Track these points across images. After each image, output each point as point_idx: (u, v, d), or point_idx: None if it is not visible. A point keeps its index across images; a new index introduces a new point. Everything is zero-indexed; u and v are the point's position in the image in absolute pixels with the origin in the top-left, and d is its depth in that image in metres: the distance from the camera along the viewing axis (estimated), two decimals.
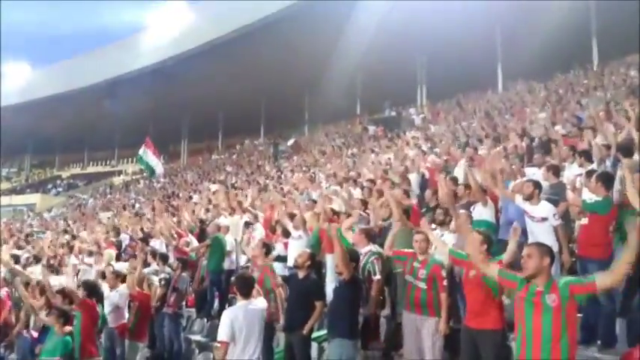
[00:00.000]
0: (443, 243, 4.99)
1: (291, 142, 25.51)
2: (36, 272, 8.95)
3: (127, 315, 7.02)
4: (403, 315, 5.05)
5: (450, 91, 25.18)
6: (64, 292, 6.30)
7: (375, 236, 5.98)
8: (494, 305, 4.20)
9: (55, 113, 37.87)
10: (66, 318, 5.74)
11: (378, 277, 5.38)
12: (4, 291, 8.41)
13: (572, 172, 6.76)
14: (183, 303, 8.06)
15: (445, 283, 4.85)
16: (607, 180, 5.01)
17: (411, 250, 5.09)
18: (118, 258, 9.83)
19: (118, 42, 38.99)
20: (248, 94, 32.86)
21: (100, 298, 6.56)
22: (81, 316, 5.85)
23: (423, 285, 4.84)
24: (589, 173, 5.62)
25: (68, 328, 5.75)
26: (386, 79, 27.40)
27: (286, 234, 7.91)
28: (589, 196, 5.08)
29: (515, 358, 3.37)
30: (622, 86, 15.00)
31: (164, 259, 8.23)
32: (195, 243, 9.62)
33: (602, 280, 3.20)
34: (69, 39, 71.93)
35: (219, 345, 4.31)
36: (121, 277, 7.25)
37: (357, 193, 9.57)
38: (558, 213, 5.39)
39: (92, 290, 6.25)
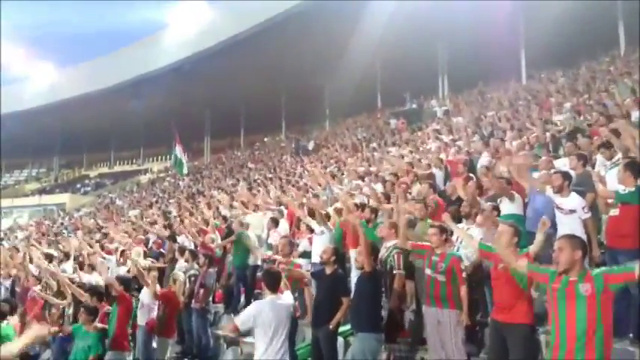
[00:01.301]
0: (470, 237, 4.96)
1: (311, 144, 25.43)
2: (67, 270, 9.20)
3: (155, 312, 7.17)
4: (424, 309, 5.07)
5: (472, 81, 24.81)
6: (92, 291, 6.48)
7: None
8: (524, 299, 4.17)
9: (80, 113, 38.57)
10: (95, 316, 5.91)
11: (399, 271, 5.38)
12: (37, 289, 8.67)
13: (601, 163, 6.63)
14: (211, 298, 8.20)
15: (464, 275, 4.86)
16: (635, 168, 4.92)
17: (429, 244, 5.10)
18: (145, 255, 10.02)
19: (140, 41, 39.50)
20: (268, 91, 32.98)
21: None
22: (117, 309, 6.02)
23: (442, 278, 4.85)
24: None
25: (99, 325, 5.91)
26: (406, 71, 27.15)
27: (310, 230, 7.97)
28: (622, 187, 4.97)
29: (549, 350, 3.31)
30: None
31: (194, 255, 8.37)
32: (219, 240, 9.76)
33: None
34: (92, 39, 73.00)
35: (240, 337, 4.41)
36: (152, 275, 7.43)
37: (378, 187, 9.57)
38: (587, 205, 5.30)
39: (128, 285, 6.42)
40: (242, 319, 4.42)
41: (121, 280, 6.52)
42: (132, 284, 6.72)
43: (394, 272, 5.39)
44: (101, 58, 40.43)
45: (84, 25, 72.61)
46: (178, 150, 13.11)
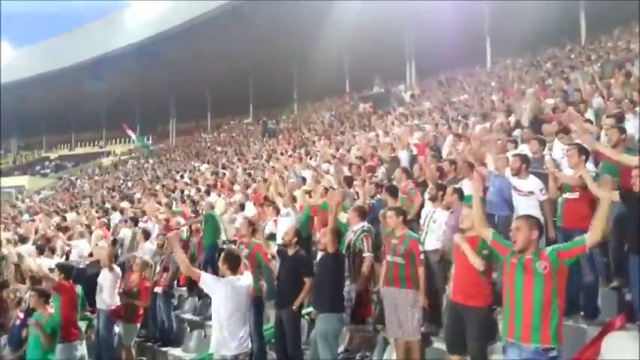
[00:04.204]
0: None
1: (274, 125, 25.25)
2: (22, 252, 8.92)
3: (117, 298, 7.02)
4: (382, 290, 5.14)
5: (439, 67, 25.07)
6: (61, 268, 6.24)
7: (366, 214, 6.00)
8: (483, 282, 4.25)
9: (39, 94, 37.25)
10: (46, 298, 5.72)
11: (368, 254, 5.41)
12: None
13: (559, 148, 6.81)
14: (175, 282, 8.11)
15: (422, 257, 4.95)
16: (587, 153, 5.09)
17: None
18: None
19: (102, 20, 38.22)
20: (236, 73, 32.49)
21: (75, 279, 6.39)
22: (60, 299, 5.78)
23: (400, 260, 4.92)
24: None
25: (51, 310, 5.73)
26: (374, 56, 27.18)
27: (277, 211, 7.95)
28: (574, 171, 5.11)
29: (504, 323, 3.40)
30: (609, 60, 15.01)
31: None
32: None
33: (591, 239, 3.27)
34: (51, 18, 70.17)
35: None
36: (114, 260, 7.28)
37: (345, 170, 9.58)
38: (544, 187, 5.43)
39: (68, 272, 6.12)
40: (207, 277, 4.44)
41: (61, 268, 6.20)
42: (73, 270, 6.35)
43: (363, 255, 5.40)
44: (60, 36, 38.98)
45: (41, 4, 69.46)
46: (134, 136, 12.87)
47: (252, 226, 6.44)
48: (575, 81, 12.21)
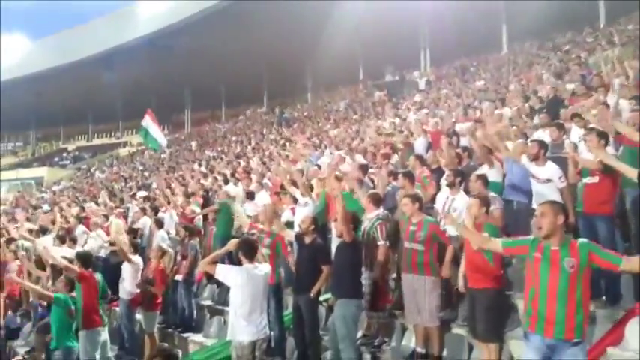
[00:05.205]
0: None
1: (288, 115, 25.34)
2: (43, 243, 9.09)
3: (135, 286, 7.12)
4: (402, 276, 5.15)
5: (454, 53, 24.75)
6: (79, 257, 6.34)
7: (381, 201, 5.98)
8: (490, 265, 4.25)
9: (56, 86, 37.66)
10: (72, 286, 5.86)
11: (382, 242, 5.38)
12: (17, 263, 8.59)
13: (576, 132, 6.73)
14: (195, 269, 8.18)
15: (448, 235, 4.97)
16: (607, 137, 5.02)
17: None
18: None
19: (117, 11, 38.43)
20: (249, 62, 32.45)
21: (95, 268, 6.50)
22: (81, 288, 5.90)
23: (420, 247, 4.92)
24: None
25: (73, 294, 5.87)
26: (388, 43, 26.91)
27: (294, 200, 7.97)
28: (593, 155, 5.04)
29: (527, 316, 3.34)
30: (628, 43, 14.69)
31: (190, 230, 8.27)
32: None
33: (627, 265, 3.17)
34: (67, 10, 70.78)
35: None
36: (133, 248, 7.38)
37: (359, 158, 9.57)
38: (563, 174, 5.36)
39: (87, 261, 6.20)
40: (222, 268, 4.55)
41: (79, 257, 6.27)
42: (92, 259, 6.44)
43: (378, 243, 5.38)
44: (76, 28, 39.29)
45: None
46: (152, 125, 12.70)
47: (273, 212, 6.45)
48: (594, 65, 12.02)
